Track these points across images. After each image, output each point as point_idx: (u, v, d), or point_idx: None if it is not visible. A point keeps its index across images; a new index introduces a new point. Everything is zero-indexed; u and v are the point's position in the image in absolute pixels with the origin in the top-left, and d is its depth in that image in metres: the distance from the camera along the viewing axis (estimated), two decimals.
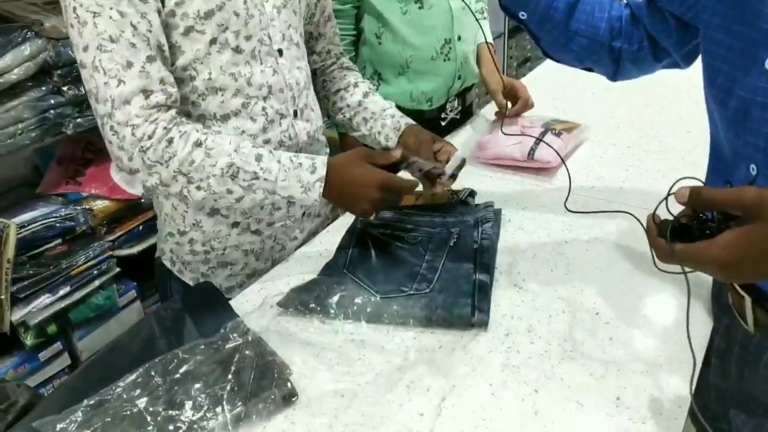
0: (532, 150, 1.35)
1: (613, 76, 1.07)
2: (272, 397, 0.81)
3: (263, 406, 0.80)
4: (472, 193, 1.24)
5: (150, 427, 0.76)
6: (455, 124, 1.70)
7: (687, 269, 0.67)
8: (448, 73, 1.62)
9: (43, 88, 1.63)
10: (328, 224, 1.25)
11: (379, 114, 1.24)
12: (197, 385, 0.81)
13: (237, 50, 1.00)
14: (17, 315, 1.62)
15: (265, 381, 0.82)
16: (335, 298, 0.98)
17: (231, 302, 1.01)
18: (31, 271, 1.64)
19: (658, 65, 1.03)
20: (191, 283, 1.17)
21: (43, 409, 0.83)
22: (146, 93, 0.91)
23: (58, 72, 1.65)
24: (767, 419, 0.86)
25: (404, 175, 1.14)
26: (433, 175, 1.14)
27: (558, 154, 1.29)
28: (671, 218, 0.68)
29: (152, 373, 0.83)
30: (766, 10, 0.71)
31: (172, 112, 0.95)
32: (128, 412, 0.77)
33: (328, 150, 1.26)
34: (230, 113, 1.03)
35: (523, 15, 1.01)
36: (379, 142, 1.24)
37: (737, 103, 0.76)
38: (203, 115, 1.01)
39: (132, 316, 1.91)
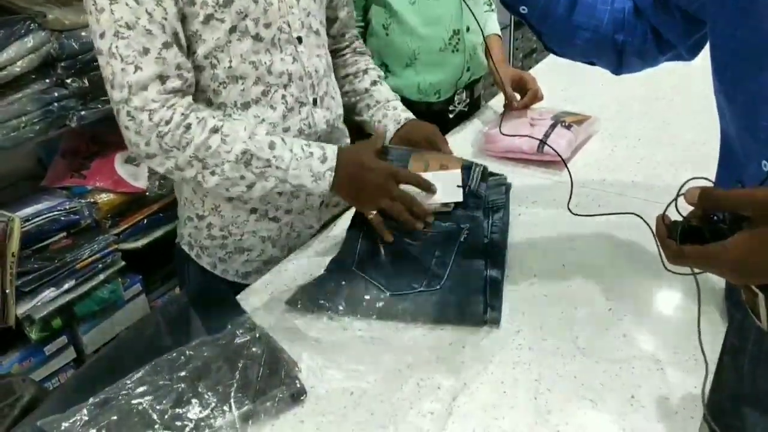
0: (542, 143, 1.33)
1: (617, 70, 1.06)
2: (280, 395, 0.80)
3: (271, 404, 0.79)
4: (484, 172, 1.17)
5: (156, 426, 0.75)
6: (463, 117, 1.68)
7: (697, 270, 0.66)
8: (457, 64, 1.60)
9: (47, 81, 1.61)
10: (342, 214, 1.24)
11: (382, 104, 1.26)
12: (204, 383, 0.80)
13: (257, 38, 1.01)
14: (22, 309, 1.61)
15: (273, 378, 0.81)
16: (344, 296, 0.96)
17: (237, 297, 1.00)
18: (35, 265, 1.63)
19: (662, 58, 1.01)
20: (208, 268, 1.18)
21: (49, 406, 0.82)
22: (163, 79, 0.92)
23: (62, 64, 1.63)
24: None
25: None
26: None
27: (559, 154, 1.27)
28: (680, 219, 0.67)
29: (158, 371, 0.81)
30: None
31: (189, 98, 0.97)
32: (134, 411, 0.76)
33: (348, 139, 1.26)
34: (251, 101, 1.04)
35: (524, 9, 0.99)
36: (375, 131, 1.24)
37: (748, 98, 0.75)
38: (224, 104, 1.03)
39: (137, 309, 1.90)
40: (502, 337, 0.89)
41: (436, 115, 1.66)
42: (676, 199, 0.66)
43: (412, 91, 1.59)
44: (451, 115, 1.69)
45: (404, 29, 1.52)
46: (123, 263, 1.82)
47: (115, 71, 0.91)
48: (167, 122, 0.93)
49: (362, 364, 0.86)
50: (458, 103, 1.69)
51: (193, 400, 0.78)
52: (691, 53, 0.98)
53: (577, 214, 1.08)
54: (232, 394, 0.79)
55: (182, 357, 0.83)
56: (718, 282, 0.95)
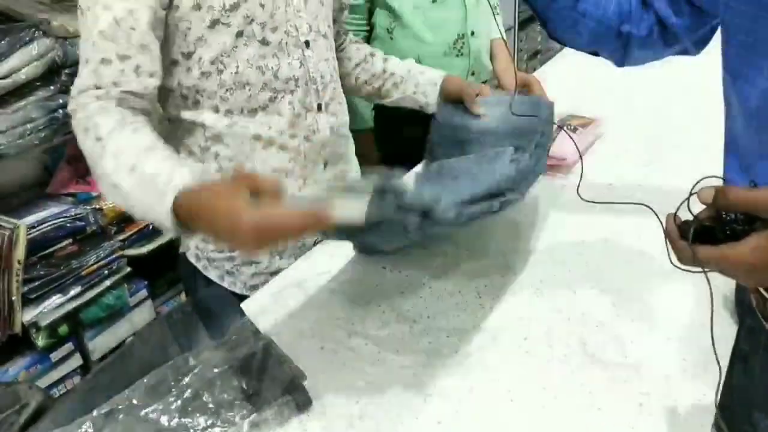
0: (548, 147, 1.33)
1: (621, 62, 1.04)
2: (286, 403, 0.79)
3: (277, 412, 0.78)
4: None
5: None
6: None
7: (707, 269, 0.64)
8: (461, 69, 1.59)
9: (52, 88, 1.62)
10: None
11: (407, 75, 1.26)
12: (209, 392, 0.79)
13: (264, 42, 1.00)
14: (28, 316, 1.62)
15: (278, 387, 0.80)
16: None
17: (243, 305, 1.00)
18: (41, 272, 1.64)
19: (668, 51, 1.00)
20: (216, 280, 1.16)
21: (55, 415, 0.82)
22: (97, 90, 0.89)
23: (67, 71, 1.63)
24: None
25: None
26: None
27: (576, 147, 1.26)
28: (691, 218, 0.65)
29: (162, 380, 0.81)
30: None
31: (108, 102, 0.89)
32: (140, 422, 0.76)
33: (353, 148, 1.25)
34: (258, 108, 1.03)
35: None
36: (417, 101, 1.26)
37: (761, 94, 0.73)
38: (231, 111, 1.01)
39: (143, 315, 1.90)
40: (509, 343, 0.89)
41: None
42: (688, 199, 0.65)
43: None
44: None
45: (408, 33, 1.52)
46: (128, 269, 1.82)
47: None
48: (77, 119, 0.88)
49: (368, 373, 0.85)
50: None
51: (198, 410, 0.77)
52: (698, 47, 0.97)
53: (586, 200, 1.12)
54: (237, 403, 0.78)
55: (186, 365, 0.83)
56: (729, 284, 0.94)
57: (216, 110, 1.02)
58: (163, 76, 0.96)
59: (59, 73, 1.64)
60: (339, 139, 1.17)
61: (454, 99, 1.21)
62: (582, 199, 1.14)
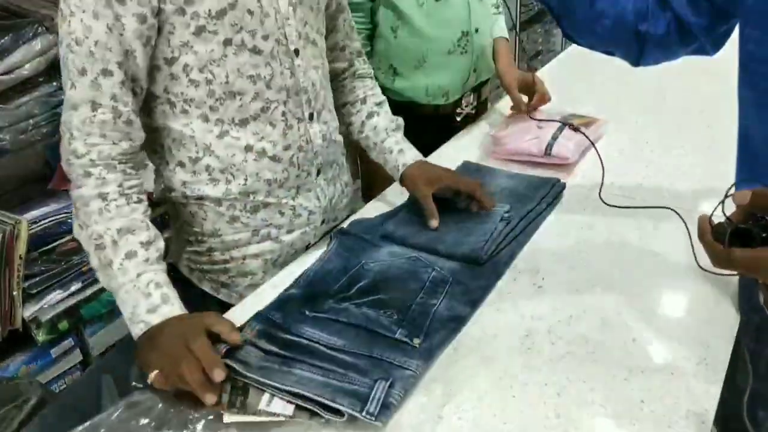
0: (549, 146, 1.33)
1: (636, 62, 1.03)
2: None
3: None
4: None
5: None
6: (470, 120, 1.68)
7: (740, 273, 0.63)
8: (464, 66, 1.59)
9: (54, 84, 1.62)
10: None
11: (379, 147, 1.21)
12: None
13: (255, 51, 0.97)
14: (29, 311, 1.62)
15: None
16: None
17: (230, 312, 0.98)
18: (42, 267, 1.63)
19: (684, 51, 0.99)
20: (211, 292, 1.13)
21: (54, 409, 0.82)
22: (94, 106, 0.90)
23: None
24: None
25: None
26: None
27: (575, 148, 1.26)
28: (722, 220, 0.65)
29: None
30: None
31: (114, 147, 0.92)
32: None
33: (344, 152, 1.21)
34: (249, 118, 1.00)
35: None
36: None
37: None
38: (221, 120, 0.99)
39: None
40: (511, 340, 0.89)
41: (443, 118, 1.66)
42: (723, 201, 0.65)
43: (420, 93, 1.59)
44: (458, 118, 1.68)
45: (412, 32, 1.52)
46: None
47: (64, 82, 0.91)
48: (77, 156, 0.91)
49: None
50: (465, 106, 1.69)
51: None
52: (715, 47, 0.96)
53: (610, 205, 1.15)
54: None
55: None
56: (732, 282, 0.94)
57: (206, 119, 0.98)
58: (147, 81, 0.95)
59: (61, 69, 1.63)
60: (331, 145, 1.13)
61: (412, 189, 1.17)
62: (605, 203, 1.15)
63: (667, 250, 1.05)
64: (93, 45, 0.87)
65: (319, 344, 0.87)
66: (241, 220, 1.07)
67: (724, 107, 0.85)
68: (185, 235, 1.10)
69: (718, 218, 0.66)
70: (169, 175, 1.04)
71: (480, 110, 1.74)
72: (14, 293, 1.56)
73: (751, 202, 0.61)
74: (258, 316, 0.93)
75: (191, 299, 1.11)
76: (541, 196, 1.20)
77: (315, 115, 1.07)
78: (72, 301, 1.69)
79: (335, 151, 1.16)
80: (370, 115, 1.23)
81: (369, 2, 1.53)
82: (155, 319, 0.85)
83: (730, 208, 0.65)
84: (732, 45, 0.96)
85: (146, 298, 0.87)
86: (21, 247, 1.55)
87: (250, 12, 0.95)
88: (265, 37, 0.97)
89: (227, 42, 0.94)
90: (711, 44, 0.95)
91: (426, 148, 1.29)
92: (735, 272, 0.64)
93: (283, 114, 1.02)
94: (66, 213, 1.68)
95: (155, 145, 1.03)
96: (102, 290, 1.75)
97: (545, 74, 1.67)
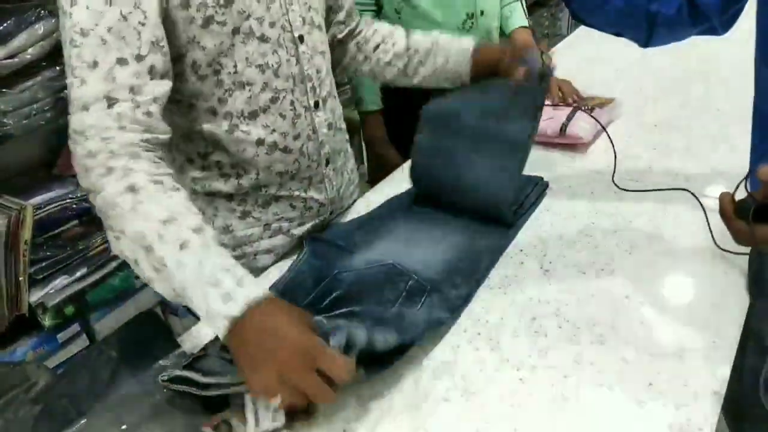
0: (564, 126, 1.32)
1: (645, 43, 1.01)
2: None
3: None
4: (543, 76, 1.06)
5: None
6: None
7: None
8: None
9: (57, 68, 1.61)
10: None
11: (434, 47, 1.15)
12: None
13: (263, 39, 0.93)
14: (35, 296, 1.62)
15: None
16: None
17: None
18: (48, 253, 1.64)
19: (694, 31, 0.97)
20: None
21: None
22: (110, 101, 0.79)
23: None
24: None
25: None
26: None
27: (598, 124, 1.25)
28: (743, 198, 0.65)
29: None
30: None
31: (133, 135, 0.79)
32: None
33: (348, 139, 1.19)
34: (258, 110, 0.96)
35: None
36: (448, 76, 1.15)
37: None
38: (230, 113, 0.95)
39: (149, 297, 1.90)
40: (518, 323, 0.88)
41: None
42: (747, 178, 0.65)
43: None
44: None
45: (417, 13, 1.50)
46: None
47: (69, 86, 0.80)
48: (93, 156, 0.77)
49: None
50: None
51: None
52: (725, 26, 0.94)
53: (623, 189, 1.14)
54: None
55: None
56: (742, 264, 0.93)
57: (214, 113, 0.95)
58: None
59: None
60: (337, 134, 1.12)
61: (486, 72, 1.12)
62: (619, 188, 1.15)
63: (678, 232, 1.04)
64: (106, 32, 0.78)
65: None
66: (253, 215, 1.05)
67: (734, 87, 0.84)
68: None
69: (739, 196, 0.66)
70: (178, 172, 1.01)
71: None
72: (20, 278, 1.56)
73: None
74: None
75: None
76: (523, 108, 1.07)
77: (320, 102, 1.04)
78: (78, 287, 1.70)
79: (341, 139, 1.14)
80: (408, 36, 1.18)
81: None
82: (234, 309, 0.71)
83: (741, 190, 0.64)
84: (739, 26, 0.95)
85: (216, 288, 0.72)
86: (26, 233, 1.55)
87: None
88: (272, 24, 0.94)
89: (235, 31, 0.90)
90: (721, 24, 0.94)
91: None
92: (758, 248, 0.64)
93: (291, 103, 1.00)
94: (71, 198, 1.68)
95: None
96: (108, 276, 1.76)
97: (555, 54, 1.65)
